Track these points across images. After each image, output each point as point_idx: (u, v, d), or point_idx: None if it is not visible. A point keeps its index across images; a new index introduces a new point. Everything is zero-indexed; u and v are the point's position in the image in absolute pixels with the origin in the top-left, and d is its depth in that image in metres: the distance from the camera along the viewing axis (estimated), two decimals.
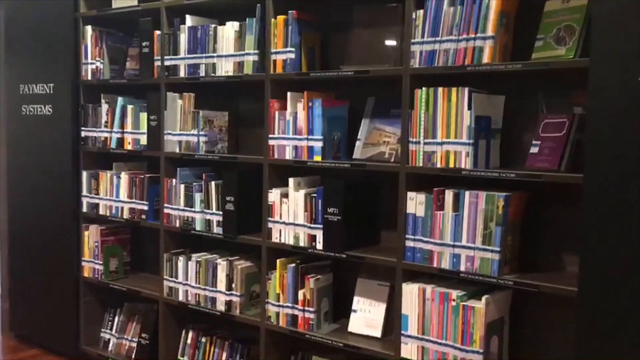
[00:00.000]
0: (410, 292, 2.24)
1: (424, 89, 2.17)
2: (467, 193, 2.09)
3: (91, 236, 3.39)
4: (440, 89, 2.13)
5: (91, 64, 3.32)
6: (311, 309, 2.54)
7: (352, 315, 2.55)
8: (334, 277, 2.66)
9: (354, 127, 2.61)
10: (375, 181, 2.58)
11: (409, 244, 2.25)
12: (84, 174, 3.39)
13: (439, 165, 2.15)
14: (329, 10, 2.67)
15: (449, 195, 2.13)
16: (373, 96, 2.58)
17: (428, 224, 2.19)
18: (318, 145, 2.48)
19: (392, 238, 2.58)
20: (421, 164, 2.20)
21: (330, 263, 2.70)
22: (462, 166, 2.10)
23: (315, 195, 2.49)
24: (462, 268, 2.11)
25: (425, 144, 2.18)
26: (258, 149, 2.97)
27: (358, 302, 2.55)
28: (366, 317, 2.52)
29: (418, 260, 2.23)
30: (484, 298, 2.07)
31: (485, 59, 2.03)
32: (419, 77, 2.20)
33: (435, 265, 2.18)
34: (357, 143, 2.57)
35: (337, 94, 2.65)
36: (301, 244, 2.54)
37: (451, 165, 2.12)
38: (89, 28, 3.31)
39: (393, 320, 2.40)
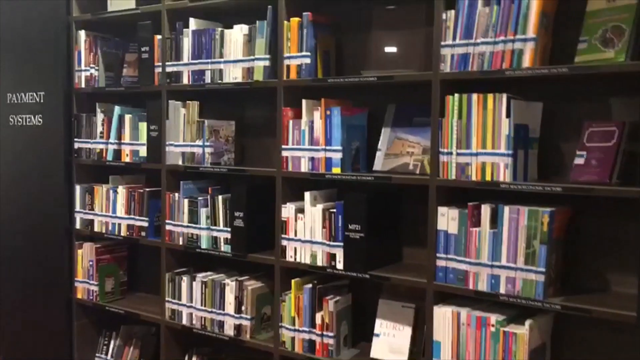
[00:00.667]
0: (442, 316, 2.06)
1: (456, 95, 2.00)
2: (506, 208, 1.92)
3: (85, 255, 3.17)
4: (474, 96, 1.96)
5: (85, 70, 3.11)
6: (330, 334, 2.35)
7: (375, 339, 2.36)
8: (352, 297, 2.48)
9: (372, 137, 2.44)
10: (396, 194, 2.41)
11: (441, 263, 2.07)
12: (77, 188, 3.17)
13: (474, 178, 1.98)
14: (344, 11, 2.50)
15: (486, 210, 1.96)
16: (393, 103, 2.41)
17: (462, 241, 2.02)
18: (337, 156, 2.30)
19: (415, 255, 2.41)
20: (454, 177, 2.02)
21: (347, 283, 2.52)
22: (501, 179, 1.93)
23: (334, 210, 2.31)
24: (502, 290, 1.94)
25: (458, 154, 2.01)
26: (266, 161, 2.79)
27: (381, 325, 2.37)
28: (390, 341, 2.33)
29: (451, 281, 2.06)
30: (527, 323, 1.90)
31: (526, 62, 1.87)
32: (450, 83, 2.04)
33: (471, 287, 2.00)
34: (378, 154, 2.39)
35: (354, 101, 2.48)
36: (319, 263, 2.36)
37: (488, 178, 1.95)
38: (82, 33, 3.10)
39: (421, 346, 2.22)
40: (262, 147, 2.84)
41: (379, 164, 2.38)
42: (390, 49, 2.37)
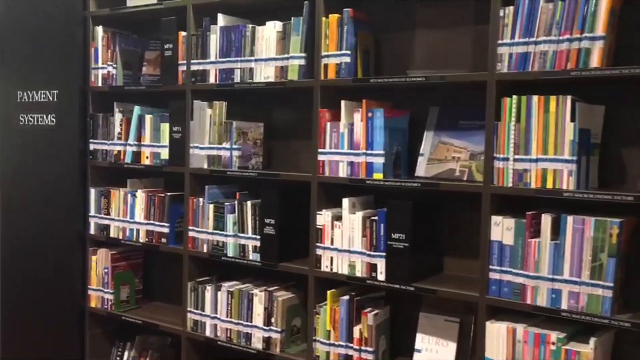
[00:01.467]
0: (496, 332, 1.93)
1: (514, 97, 1.88)
2: (570, 218, 1.80)
3: (100, 261, 3.02)
4: (535, 98, 1.84)
5: (102, 68, 2.97)
6: (369, 349, 2.22)
7: (416, 355, 2.23)
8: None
9: (413, 140, 2.32)
10: (438, 202, 2.28)
11: (494, 276, 1.94)
12: (92, 191, 3.02)
13: (533, 186, 1.86)
14: (383, 8, 2.37)
15: (546, 220, 1.84)
16: (435, 105, 2.29)
17: (519, 253, 1.89)
18: (379, 161, 2.17)
19: (457, 266, 2.29)
20: (510, 184, 1.90)
21: (384, 294, 2.39)
22: (564, 187, 1.81)
23: (376, 218, 2.18)
24: (564, 306, 1.82)
25: (515, 160, 1.88)
26: (294, 165, 2.67)
27: (422, 340, 2.24)
28: (433, 357, 2.20)
29: (505, 295, 1.93)
30: (591, 341, 1.78)
31: (594, 63, 1.75)
32: (506, 84, 1.91)
33: (528, 301, 1.88)
34: (420, 158, 2.27)
35: (393, 103, 2.35)
36: (358, 274, 2.22)
37: (549, 185, 1.83)
38: (99, 29, 2.96)
39: None
40: (290, 150, 2.70)
41: (421, 169, 2.25)
42: (435, 48, 2.25)
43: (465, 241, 2.26)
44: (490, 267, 1.95)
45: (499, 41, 1.89)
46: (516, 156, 1.88)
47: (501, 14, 1.89)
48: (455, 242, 2.28)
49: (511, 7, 1.87)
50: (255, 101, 2.72)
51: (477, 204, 2.12)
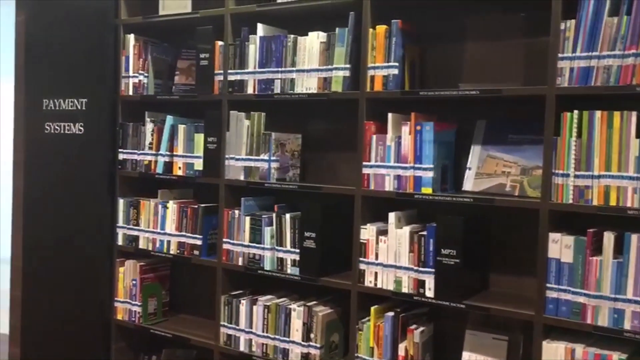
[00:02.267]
0: (554, 352, 1.89)
1: (575, 112, 1.84)
2: (634, 237, 1.76)
3: (127, 273, 2.96)
4: (598, 113, 1.80)
5: (133, 77, 2.92)
6: None
7: None
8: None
9: (457, 154, 2.28)
10: (485, 218, 2.24)
11: (552, 294, 1.90)
12: (121, 201, 2.97)
13: (595, 203, 1.82)
14: (429, 20, 2.34)
15: (609, 238, 1.80)
16: (483, 119, 2.25)
17: (579, 271, 1.85)
18: (428, 175, 2.13)
19: (502, 283, 2.25)
20: (570, 201, 1.86)
21: (426, 311, 2.34)
22: (628, 204, 1.77)
23: (424, 233, 2.13)
24: (627, 326, 1.77)
25: (576, 177, 1.85)
26: (330, 177, 2.62)
27: (469, 359, 2.19)
28: None
29: (563, 315, 1.88)
30: None
31: None
32: (567, 99, 1.88)
33: (589, 321, 1.83)
34: (468, 173, 2.23)
35: (437, 116, 2.31)
36: (404, 289, 2.18)
37: (612, 202, 1.79)
38: (131, 37, 2.91)
39: None
40: (325, 162, 2.66)
41: (469, 184, 2.21)
42: (483, 61, 2.22)
43: (513, 257, 2.22)
44: (547, 285, 1.90)
45: (560, 55, 1.86)
46: (577, 172, 1.84)
47: (562, 27, 1.85)
48: (502, 258, 2.24)
49: (573, 21, 1.84)
50: (291, 112, 2.67)
51: (527, 219, 2.08)
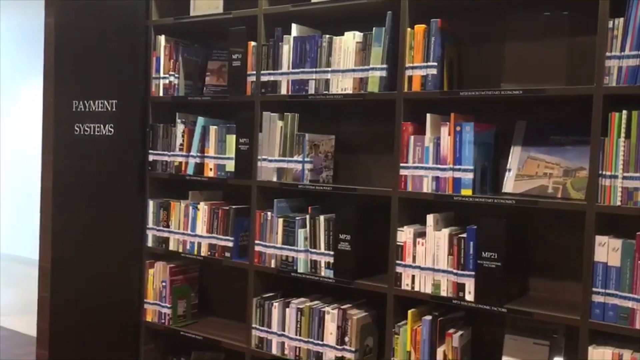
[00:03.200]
0: (600, 357, 1.84)
1: (624, 112, 1.80)
2: None
3: (157, 275, 2.95)
4: None
5: (163, 78, 2.92)
6: None
7: None
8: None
9: (496, 155, 2.25)
10: (529, 220, 2.20)
11: (598, 299, 1.86)
12: (151, 203, 2.96)
13: None
14: (467, 19, 2.31)
15: None
16: (523, 119, 2.21)
17: (627, 275, 1.81)
18: (467, 176, 2.09)
19: (542, 287, 2.21)
20: (618, 203, 1.82)
21: (463, 314, 2.31)
22: None
23: (464, 235, 2.10)
24: None
25: (624, 178, 1.80)
26: (364, 179, 2.60)
27: None
28: None
29: (610, 320, 1.84)
30: None
31: None
32: (615, 98, 1.84)
33: (638, 326, 1.79)
34: (507, 174, 2.19)
35: (475, 117, 2.28)
36: (443, 293, 2.14)
37: None
38: (162, 38, 2.91)
39: None
40: (359, 163, 2.63)
41: (509, 185, 2.17)
42: (524, 60, 2.18)
43: (553, 261, 2.18)
44: (594, 289, 1.86)
45: (607, 54, 1.82)
46: (625, 174, 1.80)
47: (610, 25, 1.81)
48: (543, 262, 2.20)
49: (621, 19, 1.80)
50: (325, 113, 2.65)
51: (570, 222, 2.05)
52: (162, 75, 2.92)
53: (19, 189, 7.80)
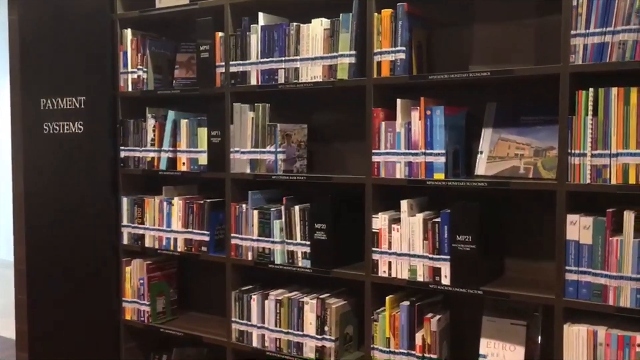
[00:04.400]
0: (575, 335, 1.86)
1: (590, 90, 1.80)
2: None
3: (134, 272, 2.91)
4: (614, 90, 1.76)
5: (132, 73, 2.87)
6: (433, 356, 2.13)
7: None
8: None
9: (468, 138, 2.24)
10: (498, 202, 2.20)
11: (571, 277, 1.87)
12: (124, 200, 2.92)
13: (613, 182, 1.78)
14: (437, 1, 2.28)
15: (629, 217, 1.76)
16: (493, 102, 2.21)
17: (599, 252, 1.82)
18: (439, 160, 2.09)
19: (518, 267, 2.22)
20: (588, 181, 1.82)
21: (441, 299, 2.31)
22: None
23: (438, 220, 2.10)
24: None
25: (593, 156, 1.81)
26: (339, 167, 2.58)
27: (487, 345, 2.15)
28: None
29: (584, 297, 1.85)
30: None
31: None
32: (581, 76, 1.84)
33: (610, 302, 1.80)
34: (480, 157, 2.19)
35: (446, 100, 2.27)
36: (419, 278, 2.14)
37: (631, 181, 1.76)
38: (128, 32, 2.86)
39: None
40: (333, 152, 2.62)
41: (481, 168, 2.17)
42: (492, 42, 2.17)
43: (528, 241, 2.19)
44: (567, 268, 1.87)
45: (573, 32, 1.82)
46: (594, 151, 1.80)
47: (574, 3, 1.81)
48: (517, 242, 2.21)
49: None
50: (296, 102, 2.63)
51: (542, 202, 2.05)
52: (130, 69, 2.87)
53: None
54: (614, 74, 1.81)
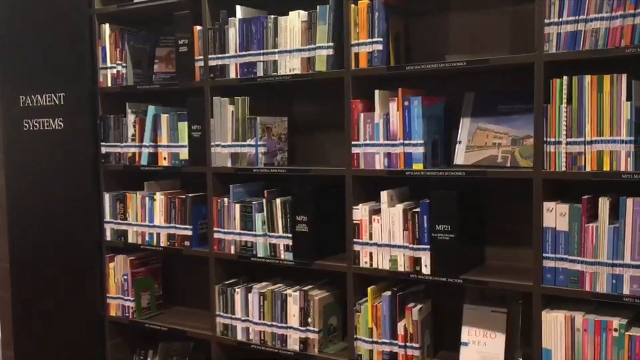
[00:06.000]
0: (553, 321, 1.88)
1: (564, 78, 1.81)
2: (629, 201, 1.75)
3: (118, 268, 2.91)
4: (587, 78, 1.78)
5: (110, 68, 2.85)
6: (415, 345, 2.15)
7: (463, 348, 2.16)
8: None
9: (447, 128, 2.25)
10: (477, 191, 2.22)
11: (548, 264, 1.89)
12: (107, 196, 2.90)
13: (588, 169, 1.80)
14: None
15: (604, 203, 1.78)
16: (471, 91, 2.22)
17: (575, 239, 1.84)
18: (418, 151, 2.09)
19: (499, 255, 2.24)
20: (563, 168, 1.84)
21: (423, 288, 2.33)
22: (622, 168, 1.75)
23: (417, 210, 2.11)
24: (626, 291, 1.77)
25: (568, 144, 1.82)
26: (320, 159, 2.59)
27: (469, 333, 2.17)
28: (482, 350, 2.14)
29: (561, 283, 1.87)
30: None
31: None
32: (555, 65, 1.85)
33: (587, 288, 1.82)
34: (458, 146, 2.20)
35: (425, 90, 2.27)
36: (400, 268, 2.15)
37: (605, 167, 1.77)
38: (106, 27, 2.83)
39: (516, 353, 2.05)
40: (315, 144, 2.62)
41: (460, 157, 2.19)
42: (469, 31, 2.18)
43: (507, 229, 2.21)
44: (544, 255, 1.89)
45: (546, 20, 1.82)
46: (569, 139, 1.82)
47: None
48: (497, 231, 2.23)
49: None
50: (276, 95, 2.62)
51: (521, 190, 2.06)
52: (109, 65, 2.85)
53: None
54: (588, 62, 1.82)
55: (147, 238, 2.79)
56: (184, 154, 2.64)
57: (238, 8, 2.44)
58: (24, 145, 3.08)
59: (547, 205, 1.87)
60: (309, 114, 2.62)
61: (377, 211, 2.20)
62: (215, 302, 2.60)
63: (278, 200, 2.40)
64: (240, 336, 2.55)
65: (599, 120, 1.77)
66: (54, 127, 2.97)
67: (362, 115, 2.19)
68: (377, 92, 2.16)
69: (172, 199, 2.71)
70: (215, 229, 2.57)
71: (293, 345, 2.41)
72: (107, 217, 2.91)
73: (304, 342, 2.38)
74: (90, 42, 2.87)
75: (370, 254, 2.21)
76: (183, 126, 2.63)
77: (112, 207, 2.90)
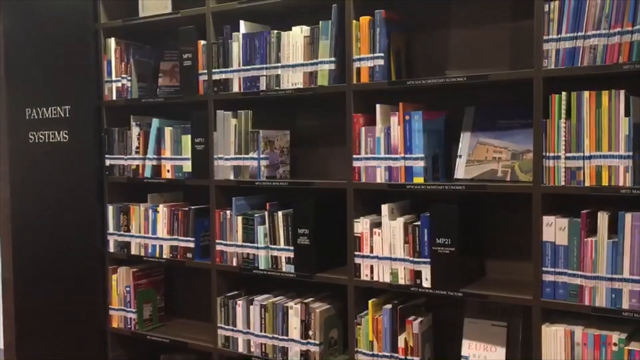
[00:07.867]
0: (553, 335, 1.88)
1: (563, 93, 1.84)
2: (628, 216, 1.76)
3: (120, 280, 2.92)
4: (586, 93, 1.80)
5: (116, 81, 2.88)
6: (416, 358, 2.16)
7: None
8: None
9: (448, 142, 2.27)
10: (478, 204, 2.23)
11: (548, 277, 1.90)
12: (110, 208, 2.93)
13: (587, 184, 1.81)
14: (413, 7, 2.31)
15: (603, 218, 1.79)
16: (471, 106, 2.24)
17: (574, 253, 1.85)
18: (419, 165, 2.11)
19: (499, 269, 2.25)
20: (562, 183, 1.85)
21: (424, 301, 2.33)
22: (620, 183, 1.76)
23: (418, 223, 2.12)
24: (625, 305, 1.77)
25: (567, 158, 1.84)
26: (321, 172, 2.61)
27: (469, 347, 2.18)
28: None
29: (561, 297, 1.88)
30: None
31: None
32: (554, 81, 1.87)
33: (586, 302, 1.83)
34: (459, 160, 2.22)
35: (426, 105, 2.30)
36: (401, 281, 2.16)
37: (604, 182, 1.79)
38: (112, 41, 2.87)
39: None
40: (316, 157, 2.64)
41: (460, 171, 2.20)
42: (469, 47, 2.21)
43: (508, 243, 2.22)
44: (544, 268, 1.90)
45: (545, 37, 1.85)
46: (568, 154, 1.84)
47: (546, 9, 1.84)
48: (497, 244, 2.24)
49: (556, 2, 1.83)
50: (278, 109, 2.65)
51: (520, 204, 2.08)
52: (114, 78, 2.89)
53: None
54: (586, 77, 1.85)
55: (149, 250, 2.81)
56: (187, 166, 2.67)
57: (242, 23, 2.48)
58: (29, 157, 3.11)
59: (546, 219, 1.89)
60: (311, 128, 2.65)
61: (378, 224, 2.21)
62: (216, 314, 2.61)
63: (280, 213, 2.42)
64: (241, 348, 2.55)
65: (597, 136, 1.79)
66: (59, 139, 3.00)
67: (363, 129, 2.21)
68: (378, 106, 2.19)
69: (175, 211, 2.73)
70: (217, 241, 2.59)
71: (294, 357, 2.41)
72: (111, 229, 2.93)
73: (305, 354, 2.39)
74: (95, 56, 2.91)
75: (371, 267, 2.22)
76: (186, 139, 2.66)
77: (115, 218, 2.92)
